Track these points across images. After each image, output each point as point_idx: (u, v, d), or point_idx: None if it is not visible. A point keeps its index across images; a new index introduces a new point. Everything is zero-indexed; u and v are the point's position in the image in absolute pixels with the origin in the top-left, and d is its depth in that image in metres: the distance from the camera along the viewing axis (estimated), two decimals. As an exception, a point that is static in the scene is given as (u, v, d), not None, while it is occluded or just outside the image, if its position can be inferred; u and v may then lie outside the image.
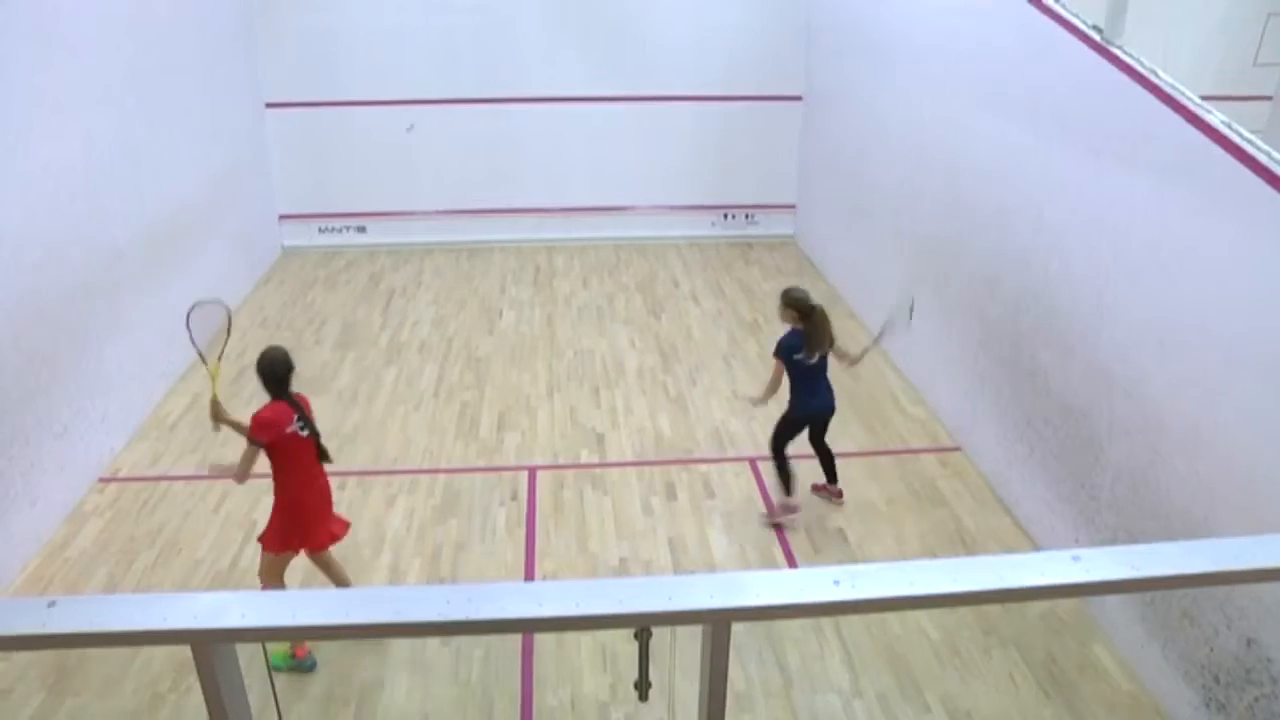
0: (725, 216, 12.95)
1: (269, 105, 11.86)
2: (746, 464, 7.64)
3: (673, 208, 12.84)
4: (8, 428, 6.31)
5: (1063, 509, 6.26)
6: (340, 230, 12.61)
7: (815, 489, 7.20)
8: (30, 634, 2.03)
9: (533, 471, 7.52)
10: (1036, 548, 6.56)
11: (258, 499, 7.14)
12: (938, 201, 8.21)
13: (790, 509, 6.92)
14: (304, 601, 2.20)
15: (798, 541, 6.72)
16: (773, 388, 6.70)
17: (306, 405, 5.45)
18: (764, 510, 7.05)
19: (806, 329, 6.48)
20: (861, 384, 8.89)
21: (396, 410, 8.48)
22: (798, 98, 12.32)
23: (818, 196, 12.03)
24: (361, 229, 12.62)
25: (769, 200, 12.87)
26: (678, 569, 6.45)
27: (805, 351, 6.50)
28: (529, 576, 6.38)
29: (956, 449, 7.81)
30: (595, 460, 7.72)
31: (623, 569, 6.45)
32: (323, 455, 5.46)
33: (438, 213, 12.56)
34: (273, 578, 5.48)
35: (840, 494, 7.13)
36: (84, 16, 7.50)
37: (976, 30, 7.53)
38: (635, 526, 6.85)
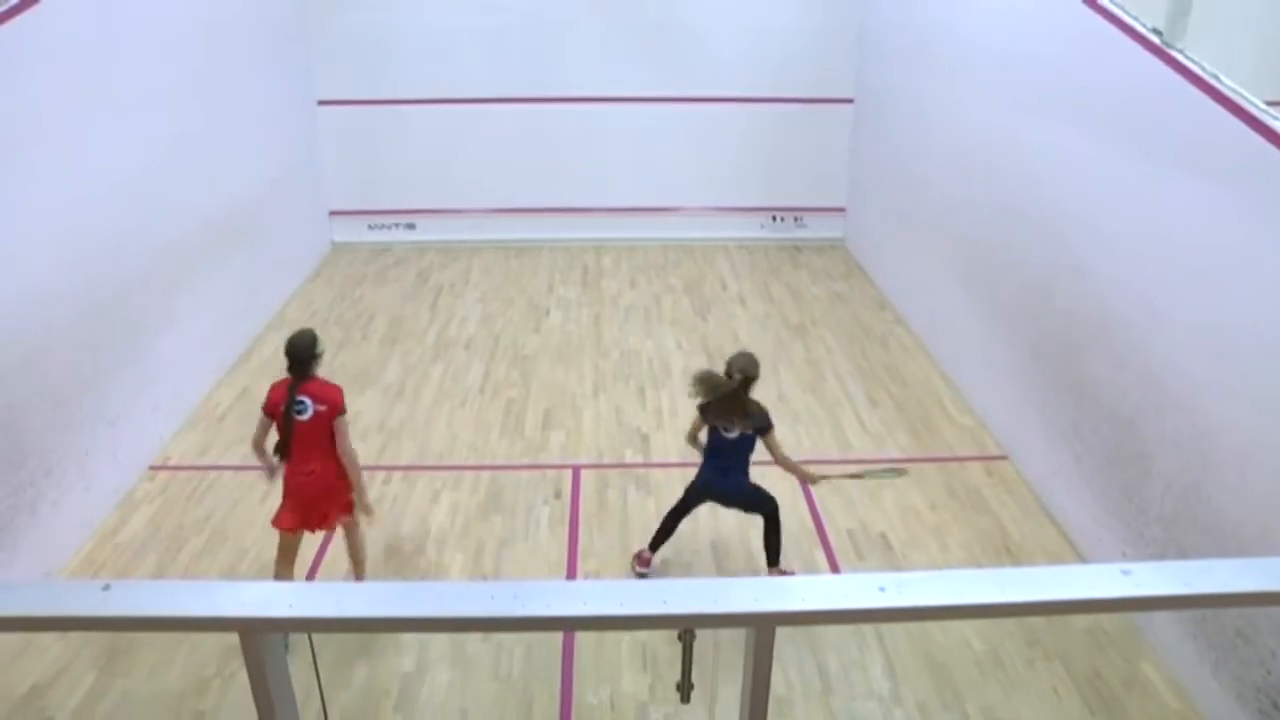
0: (774, 219, 12.91)
1: (321, 103, 11.99)
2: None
3: (721, 209, 12.82)
4: (64, 415, 6.45)
5: (1110, 521, 6.17)
6: (389, 227, 12.72)
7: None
8: (86, 616, 2.07)
9: (577, 470, 7.55)
10: (1082, 559, 6.46)
11: (304, 491, 7.24)
12: (989, 206, 8.13)
13: (641, 560, 6.36)
14: (350, 594, 2.23)
15: (840, 546, 6.68)
16: (689, 436, 6.11)
17: (320, 393, 5.49)
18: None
19: (715, 402, 5.78)
20: (909, 390, 8.82)
21: (442, 406, 8.55)
22: (849, 100, 12.24)
23: (868, 200, 11.95)
24: (411, 226, 12.73)
25: (818, 203, 12.80)
26: (720, 571, 6.44)
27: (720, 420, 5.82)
28: (571, 575, 6.40)
29: (1003, 458, 7.73)
30: (639, 460, 7.73)
31: (664, 570, 6.45)
32: (279, 449, 5.55)
33: (486, 211, 12.63)
34: (280, 560, 5.66)
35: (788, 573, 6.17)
36: (144, 18, 7.65)
37: (1030, 32, 7.44)
38: (678, 528, 6.84)
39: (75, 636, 5.56)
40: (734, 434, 5.84)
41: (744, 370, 5.79)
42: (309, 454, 5.52)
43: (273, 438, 5.60)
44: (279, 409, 5.48)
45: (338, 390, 5.57)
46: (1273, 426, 4.74)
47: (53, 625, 2.09)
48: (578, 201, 12.66)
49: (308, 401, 5.45)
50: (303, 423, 5.46)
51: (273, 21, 10.66)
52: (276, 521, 5.65)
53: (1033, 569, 2.35)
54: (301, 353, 5.48)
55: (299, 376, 5.49)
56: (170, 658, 5.50)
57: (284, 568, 5.69)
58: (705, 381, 5.78)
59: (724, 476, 5.99)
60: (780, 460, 5.92)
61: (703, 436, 6.02)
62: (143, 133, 7.62)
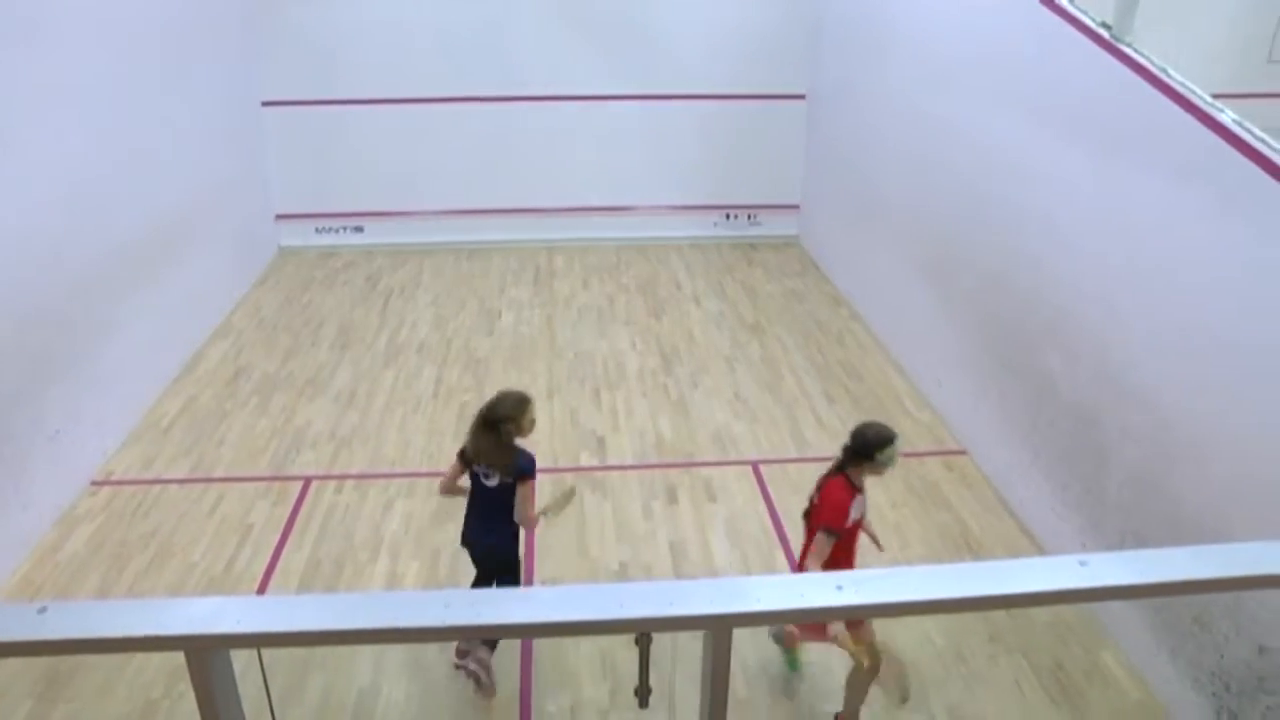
0: (728, 217, 12.95)
1: (265, 104, 11.85)
2: (749, 468, 7.63)
3: (675, 208, 12.84)
4: (0, 430, 6.32)
5: (1069, 513, 6.25)
6: (338, 230, 12.60)
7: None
8: (21, 640, 2.02)
9: (532, 475, 7.52)
10: (1043, 552, 6.55)
11: (253, 502, 7.17)
12: (945, 202, 8.21)
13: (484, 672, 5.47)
14: (301, 607, 2.20)
15: (799, 546, 6.69)
16: (444, 485, 5.39)
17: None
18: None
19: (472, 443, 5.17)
20: (866, 386, 8.89)
21: (395, 412, 8.48)
22: (801, 97, 12.31)
23: (822, 197, 12.03)
24: (359, 229, 12.61)
25: (772, 200, 12.86)
26: (678, 573, 6.45)
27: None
28: (529, 580, 6.37)
29: (962, 452, 7.81)
30: (595, 463, 7.72)
31: (623, 573, 6.44)
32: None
33: (437, 212, 12.55)
34: None
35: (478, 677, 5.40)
36: (79, 14, 7.50)
37: (984, 28, 7.53)
38: (636, 530, 6.85)
39: (10, 663, 5.44)
40: (492, 482, 5.16)
41: (494, 410, 5.10)
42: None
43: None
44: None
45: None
46: (1228, 417, 4.83)
47: (-16, 651, 2.03)
48: (529, 202, 12.61)
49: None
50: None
51: (213, 20, 10.49)
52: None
53: (990, 563, 2.37)
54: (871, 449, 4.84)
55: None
56: (114, 681, 5.40)
57: None
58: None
59: (492, 533, 5.28)
60: (528, 520, 5.22)
61: (464, 483, 5.31)
62: (76, 131, 7.46)
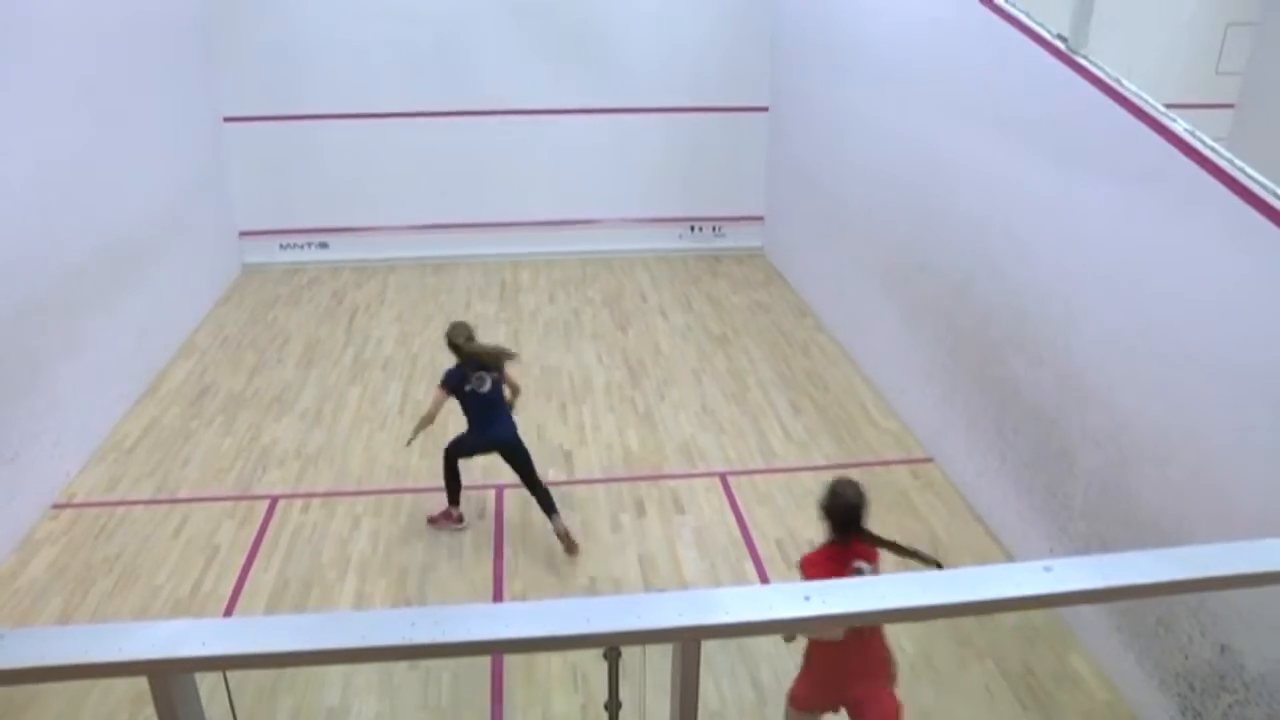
0: (692, 229, 12.99)
1: (227, 120, 11.76)
2: (717, 479, 7.64)
3: (639, 221, 12.87)
4: (-43, 454, 6.21)
5: (1035, 519, 6.31)
6: (302, 247, 12.52)
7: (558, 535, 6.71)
8: (-22, 669, 1.98)
9: (500, 490, 7.49)
10: (1010, 558, 6.60)
11: (219, 523, 7.09)
12: (906, 211, 8.28)
13: (450, 518, 7.04)
14: (267, 628, 2.17)
15: (769, 556, 6.72)
16: (427, 420, 6.58)
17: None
18: (432, 516, 7.12)
19: (464, 358, 6.56)
20: (831, 395, 8.93)
21: (361, 429, 8.42)
22: (764, 109, 12.39)
23: (786, 208, 12.10)
24: (324, 245, 12.54)
25: (736, 212, 12.92)
26: (648, 586, 6.44)
27: (473, 383, 6.58)
28: (498, 597, 6.34)
29: (929, 460, 7.86)
30: (563, 477, 7.70)
31: (592, 588, 6.42)
32: None
33: (401, 228, 12.50)
34: None
35: (566, 536, 6.66)
36: (35, 27, 7.42)
37: (940, 40, 7.62)
38: (604, 544, 6.84)
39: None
40: (486, 389, 6.59)
41: (450, 335, 6.63)
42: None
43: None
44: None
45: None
46: (1185, 420, 4.90)
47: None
48: (494, 216, 12.59)
49: (867, 569, 4.36)
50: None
51: (172, 35, 10.42)
52: (804, 699, 4.49)
53: (957, 570, 2.38)
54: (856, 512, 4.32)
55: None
56: (76, 709, 5.31)
57: None
58: (451, 338, 6.63)
59: (508, 424, 6.75)
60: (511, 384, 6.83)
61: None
62: (31, 146, 7.34)
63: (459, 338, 6.59)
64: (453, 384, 6.58)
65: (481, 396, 6.60)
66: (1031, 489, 6.36)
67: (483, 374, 6.58)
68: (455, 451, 6.88)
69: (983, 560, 6.62)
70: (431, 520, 7.07)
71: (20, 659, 1.97)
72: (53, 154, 7.63)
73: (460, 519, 7.05)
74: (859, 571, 4.30)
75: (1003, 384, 6.72)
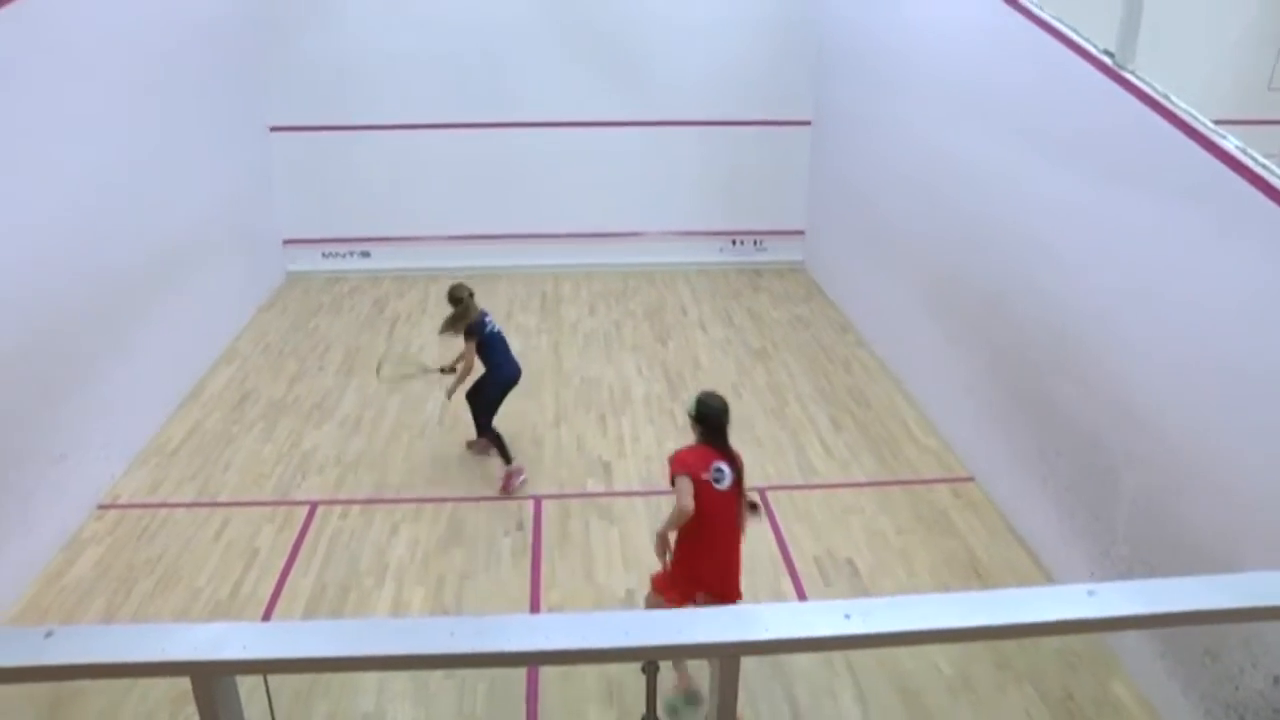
0: (734, 243, 12.98)
1: (273, 129, 11.93)
2: (755, 493, 7.59)
3: (681, 234, 12.87)
4: (6, 452, 6.32)
5: (1078, 541, 6.22)
6: (344, 255, 12.65)
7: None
8: (26, 665, 2.02)
9: (538, 501, 7.50)
10: (1051, 580, 6.52)
11: (259, 527, 7.16)
12: (948, 227, 8.23)
13: (519, 472, 7.73)
14: (306, 633, 2.19)
15: (807, 573, 6.68)
16: (467, 370, 7.56)
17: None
18: (501, 485, 7.67)
19: (472, 309, 7.50)
20: (873, 413, 8.88)
21: (400, 437, 8.48)
22: (807, 122, 12.37)
23: (827, 222, 12.06)
24: (366, 254, 12.66)
25: (778, 226, 12.89)
26: (685, 601, 6.41)
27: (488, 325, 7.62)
28: (534, 608, 6.35)
29: (970, 479, 7.78)
30: (602, 489, 7.71)
31: (630, 600, 6.42)
32: None
33: (443, 238, 12.59)
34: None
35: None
36: (91, 40, 7.58)
37: (984, 55, 7.58)
38: (642, 557, 6.81)
39: (14, 686, 5.42)
40: (497, 327, 7.70)
41: (458, 291, 7.51)
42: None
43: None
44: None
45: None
46: (1235, 441, 4.82)
47: (-10, 676, 2.03)
48: (536, 228, 12.66)
49: (726, 470, 5.12)
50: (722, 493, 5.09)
51: (223, 46, 10.59)
52: (674, 590, 5.21)
53: (998, 592, 2.35)
54: (719, 419, 5.15)
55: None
56: (118, 706, 5.38)
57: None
58: (453, 295, 7.49)
59: (512, 362, 7.79)
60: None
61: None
62: (87, 158, 7.51)
63: (463, 292, 7.47)
64: (478, 331, 7.46)
65: (497, 335, 7.64)
66: (1073, 511, 6.27)
67: (488, 319, 7.60)
68: (485, 404, 7.72)
69: (1023, 582, 6.55)
70: (505, 486, 7.62)
71: (69, 656, 2.01)
72: (104, 162, 7.78)
73: (521, 470, 7.72)
74: (719, 470, 5.09)
75: (1044, 403, 6.64)
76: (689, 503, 4.93)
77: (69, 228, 7.18)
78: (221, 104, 10.53)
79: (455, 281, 7.70)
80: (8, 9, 6.45)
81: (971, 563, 6.77)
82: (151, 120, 8.64)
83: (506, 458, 7.71)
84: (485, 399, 7.71)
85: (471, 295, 7.49)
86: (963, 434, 8.09)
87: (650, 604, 5.49)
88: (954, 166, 8.09)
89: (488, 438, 7.78)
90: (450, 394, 7.68)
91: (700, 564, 5.16)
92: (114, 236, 7.84)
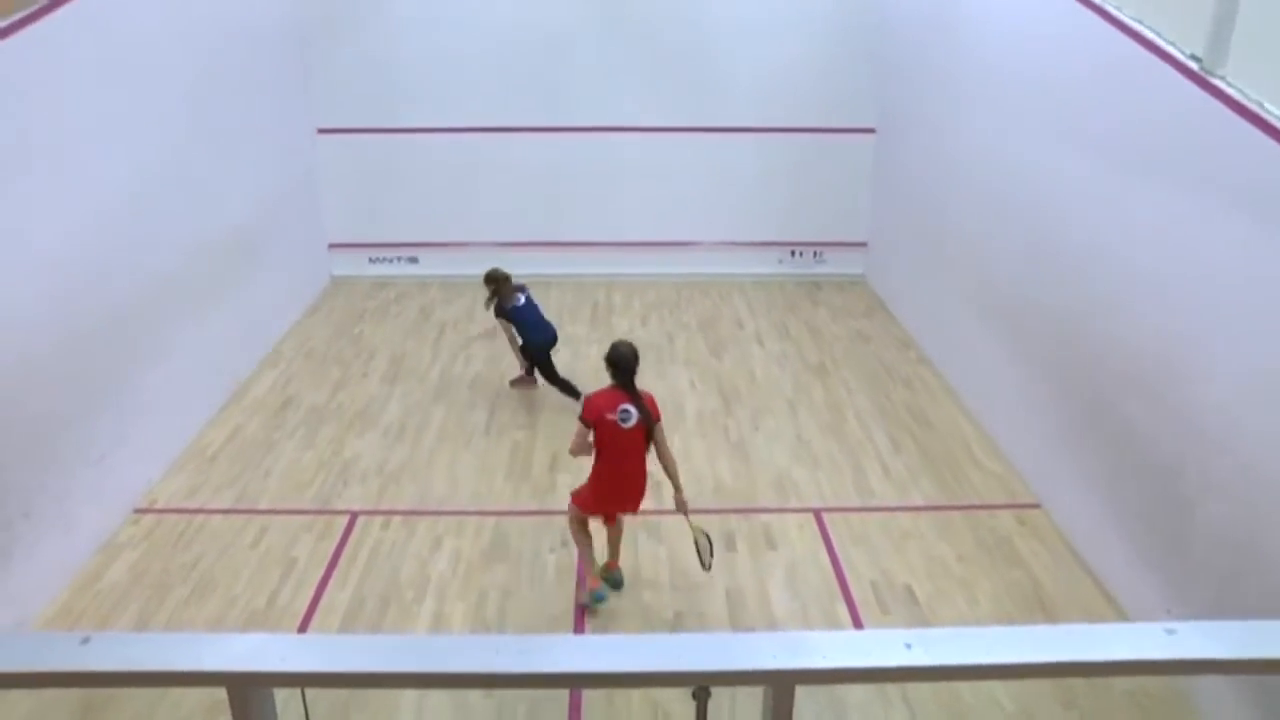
0: (792, 254, 12.93)
1: (320, 131, 12.08)
2: (811, 516, 7.55)
3: (737, 244, 12.84)
4: (44, 453, 6.45)
5: (1153, 575, 6.09)
6: (391, 260, 12.78)
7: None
8: (63, 671, 2.04)
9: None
10: (1122, 615, 6.39)
11: (297, 536, 7.23)
12: (1018, 240, 8.12)
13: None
14: (345, 647, 2.20)
15: (863, 599, 6.61)
16: (512, 342, 9.20)
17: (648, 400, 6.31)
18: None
19: (503, 289, 9.13)
20: (935, 434, 8.78)
21: (445, 448, 8.53)
22: (870, 130, 12.29)
23: (890, 234, 11.96)
24: (413, 260, 12.78)
25: (838, 237, 12.82)
26: (735, 624, 6.38)
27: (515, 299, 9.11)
28: (579, 628, 6.35)
29: (1036, 506, 7.66)
30: (651, 507, 7.66)
31: (678, 623, 6.39)
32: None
33: (492, 244, 12.64)
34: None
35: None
36: (137, 41, 7.75)
37: (1061, 59, 7.47)
38: (691, 578, 6.80)
39: (49, 691, 5.52)
40: (524, 300, 9.16)
41: (492, 274, 9.29)
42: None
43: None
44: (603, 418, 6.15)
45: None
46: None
47: (27, 681, 2.06)
48: (588, 235, 12.70)
49: (632, 410, 6.15)
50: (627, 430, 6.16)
51: (270, 46, 10.77)
52: (586, 506, 6.47)
53: (1069, 627, 2.30)
54: (627, 363, 6.20)
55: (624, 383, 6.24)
56: (153, 712, 5.46)
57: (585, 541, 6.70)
58: (487, 280, 9.28)
59: (545, 326, 9.22)
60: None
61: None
62: (133, 158, 7.67)
63: (497, 274, 9.20)
64: (509, 310, 9.05)
65: (523, 309, 9.07)
66: (1148, 542, 6.14)
67: (518, 293, 9.12)
68: (535, 359, 9.25)
69: (1091, 616, 6.43)
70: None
71: (106, 663, 2.03)
72: (149, 161, 7.94)
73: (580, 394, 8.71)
74: (625, 411, 6.11)
75: (1118, 427, 6.52)
76: (579, 445, 6.19)
77: (112, 228, 7.33)
78: (268, 105, 10.70)
79: (492, 267, 9.32)
80: (57, 12, 6.61)
81: (1036, 594, 6.66)
82: (198, 121, 8.79)
83: (577, 395, 8.83)
84: (534, 363, 9.29)
85: (504, 280, 9.16)
86: (1029, 458, 7.97)
87: (570, 514, 6.60)
88: (1026, 177, 7.98)
89: (558, 388, 9.12)
90: (515, 382, 9.61)
91: (606, 487, 6.33)
92: (157, 237, 7.99)
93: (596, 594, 6.51)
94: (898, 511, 7.63)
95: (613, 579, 6.70)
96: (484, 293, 9.33)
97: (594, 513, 6.52)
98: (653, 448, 6.28)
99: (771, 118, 12.31)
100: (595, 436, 6.16)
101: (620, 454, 6.19)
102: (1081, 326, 7.04)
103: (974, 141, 9.16)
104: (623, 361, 6.18)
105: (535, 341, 9.08)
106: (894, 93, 11.70)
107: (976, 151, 9.09)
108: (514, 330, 9.12)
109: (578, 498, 6.49)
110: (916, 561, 7.00)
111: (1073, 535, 7.18)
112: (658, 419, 6.26)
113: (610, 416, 6.10)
